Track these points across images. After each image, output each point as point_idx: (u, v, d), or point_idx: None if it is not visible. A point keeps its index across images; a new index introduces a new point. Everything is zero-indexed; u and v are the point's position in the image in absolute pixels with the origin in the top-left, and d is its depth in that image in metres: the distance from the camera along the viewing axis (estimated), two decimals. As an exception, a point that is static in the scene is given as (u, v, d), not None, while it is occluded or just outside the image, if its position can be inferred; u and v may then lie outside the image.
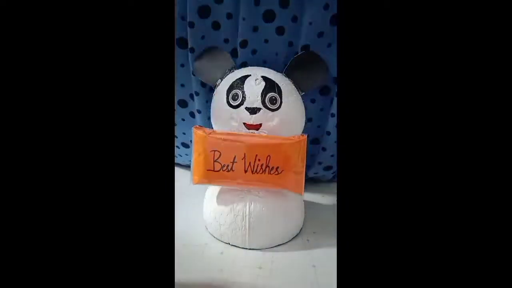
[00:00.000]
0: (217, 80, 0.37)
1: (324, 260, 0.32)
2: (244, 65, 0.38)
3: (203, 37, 0.37)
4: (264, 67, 0.37)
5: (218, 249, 0.34)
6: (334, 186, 0.51)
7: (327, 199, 0.46)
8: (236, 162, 0.32)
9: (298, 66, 0.36)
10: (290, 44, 0.37)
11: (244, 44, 0.37)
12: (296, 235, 0.36)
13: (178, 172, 0.58)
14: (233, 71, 0.37)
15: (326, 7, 0.34)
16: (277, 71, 0.36)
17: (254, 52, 0.38)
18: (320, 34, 0.36)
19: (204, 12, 0.36)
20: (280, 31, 0.36)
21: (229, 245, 0.35)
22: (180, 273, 0.27)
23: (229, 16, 0.36)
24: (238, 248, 0.34)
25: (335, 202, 0.45)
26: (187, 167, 0.56)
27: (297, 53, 0.37)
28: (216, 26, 0.37)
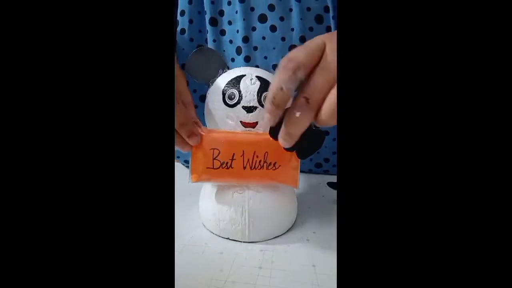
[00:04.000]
0: (209, 80, 0.38)
1: (324, 260, 0.32)
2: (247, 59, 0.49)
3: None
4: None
5: (217, 249, 0.34)
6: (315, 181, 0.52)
7: (327, 199, 0.47)
8: (235, 159, 0.33)
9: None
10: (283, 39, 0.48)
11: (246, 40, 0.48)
12: (293, 229, 0.38)
13: (182, 171, 0.57)
14: (226, 71, 0.38)
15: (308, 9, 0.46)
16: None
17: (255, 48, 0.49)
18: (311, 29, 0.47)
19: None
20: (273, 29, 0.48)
21: (229, 244, 0.35)
22: (180, 273, 0.27)
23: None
24: (238, 248, 0.34)
25: (335, 202, 0.46)
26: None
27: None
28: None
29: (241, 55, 0.50)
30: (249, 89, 0.34)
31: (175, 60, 0.50)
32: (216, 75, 0.38)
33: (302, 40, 0.48)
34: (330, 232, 0.37)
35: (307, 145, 0.33)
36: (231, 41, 0.50)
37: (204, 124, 0.38)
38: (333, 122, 0.24)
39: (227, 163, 0.33)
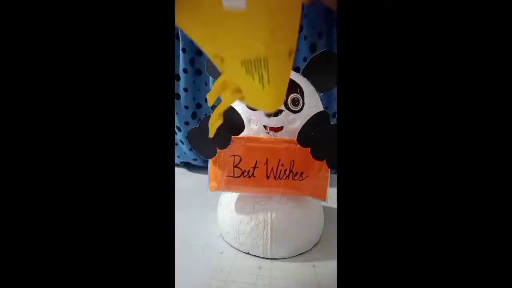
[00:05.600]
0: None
1: (324, 260, 0.32)
2: None
3: None
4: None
5: (218, 249, 0.34)
6: (334, 186, 0.51)
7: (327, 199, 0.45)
8: (257, 167, 0.30)
9: (316, 66, 0.34)
10: None
11: None
12: (319, 244, 0.35)
13: (182, 173, 0.56)
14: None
15: None
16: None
17: None
18: None
19: None
20: None
21: (230, 246, 0.34)
22: (180, 273, 0.27)
23: None
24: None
25: (335, 202, 0.43)
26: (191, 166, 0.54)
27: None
28: None
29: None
30: (274, 90, 0.31)
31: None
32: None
33: None
34: (330, 232, 0.36)
35: (321, 142, 0.29)
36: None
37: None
38: None
39: (248, 171, 0.30)
